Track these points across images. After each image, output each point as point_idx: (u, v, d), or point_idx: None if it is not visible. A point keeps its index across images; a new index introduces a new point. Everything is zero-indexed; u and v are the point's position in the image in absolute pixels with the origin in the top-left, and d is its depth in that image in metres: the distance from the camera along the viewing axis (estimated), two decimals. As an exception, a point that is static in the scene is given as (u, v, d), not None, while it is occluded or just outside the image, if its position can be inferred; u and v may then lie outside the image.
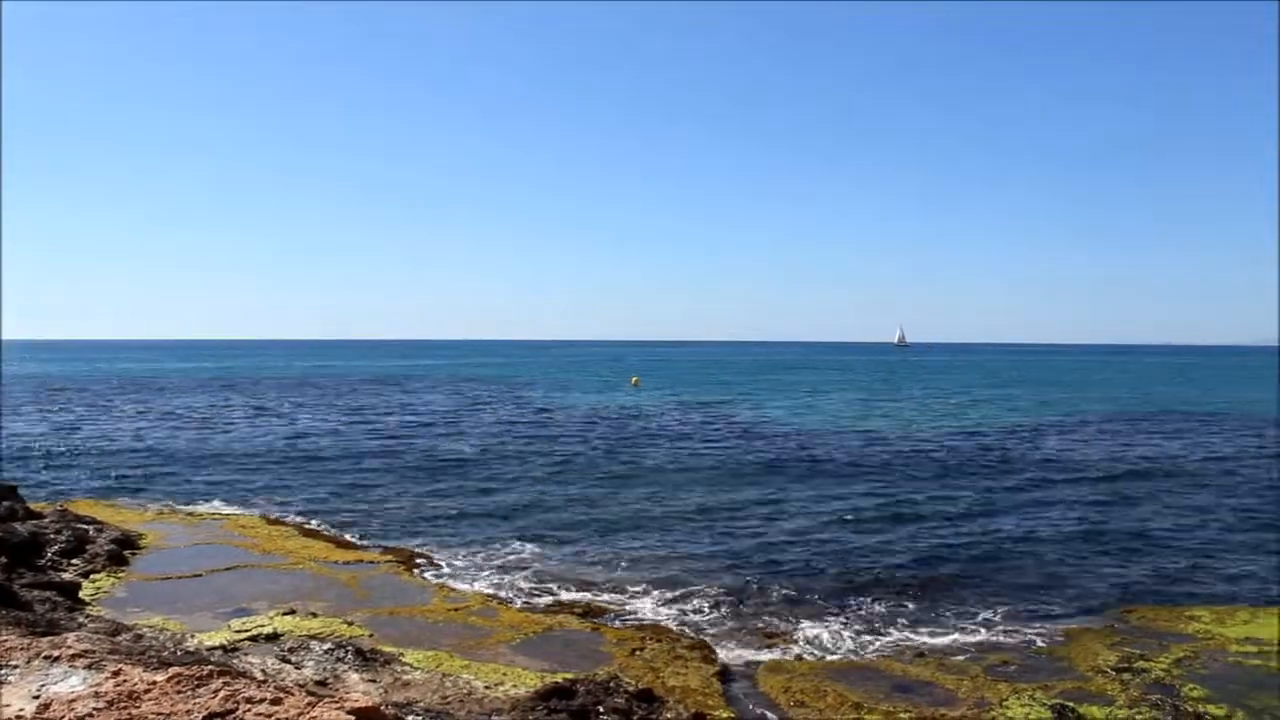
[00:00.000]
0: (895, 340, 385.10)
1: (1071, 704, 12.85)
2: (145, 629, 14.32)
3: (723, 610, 17.85)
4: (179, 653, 12.38)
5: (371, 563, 20.69)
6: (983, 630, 16.68)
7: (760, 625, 16.95)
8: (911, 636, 16.33)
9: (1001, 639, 16.21)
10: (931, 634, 16.48)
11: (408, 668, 13.27)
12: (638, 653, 14.88)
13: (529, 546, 22.74)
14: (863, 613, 17.71)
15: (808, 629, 16.71)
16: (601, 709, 11.32)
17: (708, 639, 16.02)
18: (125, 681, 6.62)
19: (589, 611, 17.54)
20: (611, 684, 11.92)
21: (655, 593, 18.97)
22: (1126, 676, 14.12)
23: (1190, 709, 12.81)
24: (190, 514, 25.87)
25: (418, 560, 21.11)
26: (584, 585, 19.47)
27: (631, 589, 19.22)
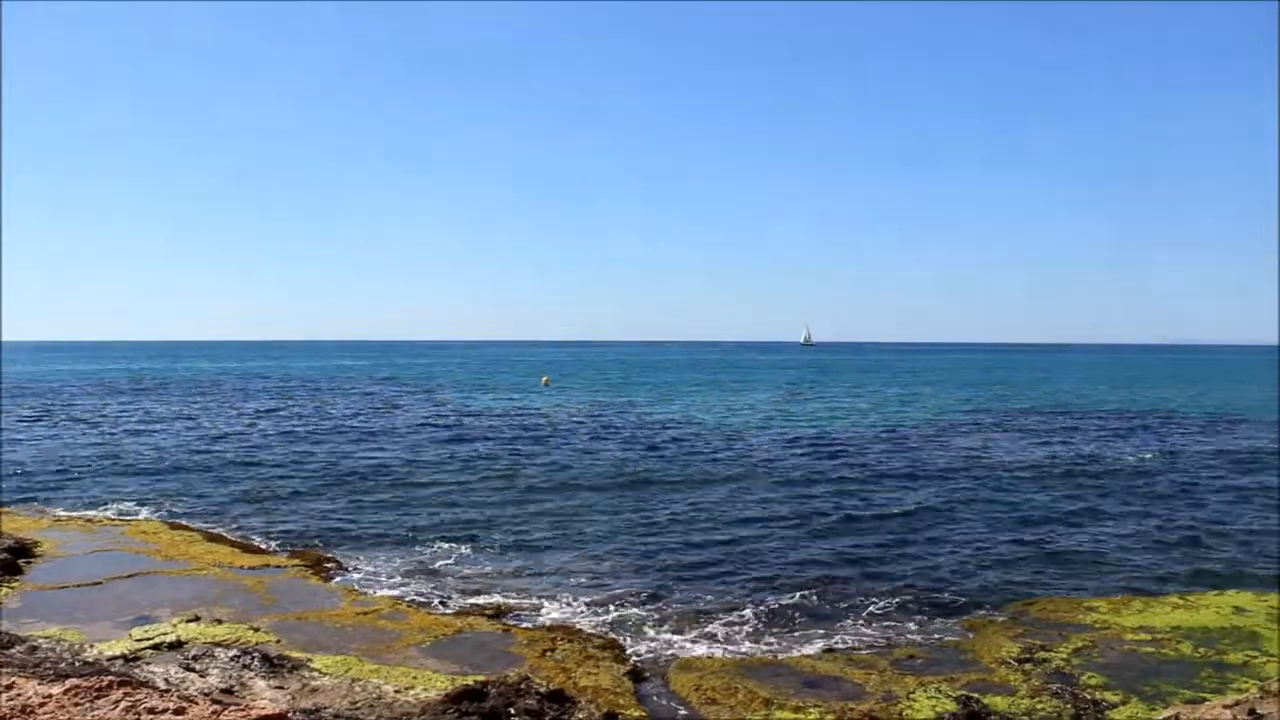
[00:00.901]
0: (802, 340, 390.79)
1: (976, 695, 13.12)
2: (41, 640, 13.92)
3: (635, 610, 17.90)
4: (77, 664, 12.08)
5: (278, 567, 20.36)
6: (890, 625, 16.96)
7: (672, 624, 17.03)
8: (821, 633, 16.54)
9: (908, 634, 16.51)
10: (840, 630, 16.71)
11: (316, 673, 13.09)
12: (549, 653, 14.86)
13: (439, 549, 22.56)
14: (773, 610, 17.88)
15: (719, 627, 16.84)
16: (513, 710, 11.29)
17: (620, 638, 16.06)
18: (19, 695, 6.44)
19: (500, 613, 17.47)
20: (523, 685, 11.89)
21: (567, 593, 18.95)
22: (1028, 667, 14.47)
23: (1088, 696, 13.18)
24: (89, 520, 25.17)
25: (326, 564, 20.82)
26: (495, 587, 19.39)
27: (543, 590, 19.18)
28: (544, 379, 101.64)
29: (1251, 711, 11.03)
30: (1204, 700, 12.49)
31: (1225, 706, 11.44)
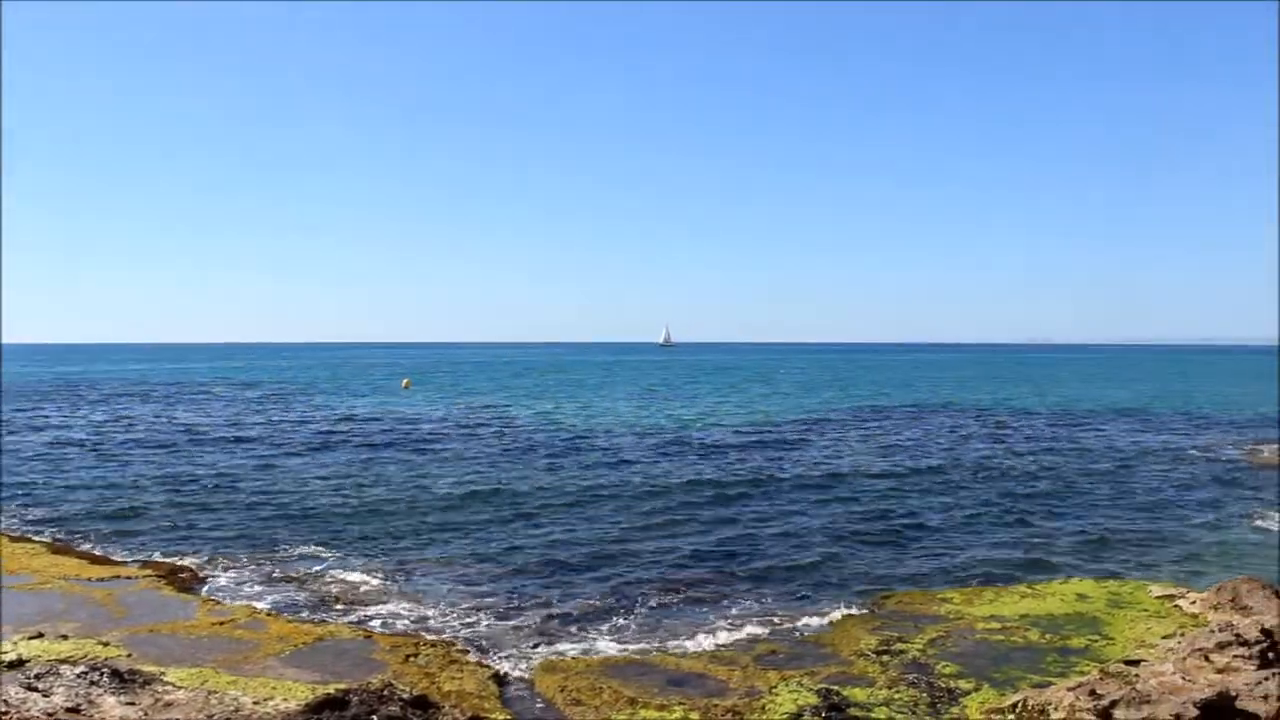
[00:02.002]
0: (661, 340, 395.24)
1: (836, 687, 13.44)
2: None
3: (499, 613, 17.83)
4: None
5: (130, 579, 19.65)
6: (752, 622, 17.23)
7: (537, 626, 17.02)
8: (684, 631, 16.71)
9: (770, 630, 16.80)
10: (703, 628, 16.91)
11: (170, 687, 12.66)
12: (412, 659, 14.69)
13: (299, 557, 22.10)
14: (637, 610, 18.01)
15: (584, 628, 16.90)
16: (375, 718, 11.12)
17: (484, 642, 16.00)
18: None
19: (361, 619, 17.21)
20: (385, 691, 11.72)
21: (431, 598, 18.76)
22: (886, 658, 14.87)
23: (943, 685, 13.61)
24: (-78, 534, 23.89)
25: (181, 574, 20.19)
26: (357, 594, 19.09)
27: (406, 596, 18.96)
28: (404, 382, 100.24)
29: (1092, 692, 11.55)
30: (1049, 684, 13.01)
31: (1069, 689, 11.96)
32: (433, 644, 15.52)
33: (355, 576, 20.40)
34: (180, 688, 12.68)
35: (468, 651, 15.34)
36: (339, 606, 18.15)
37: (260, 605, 18.00)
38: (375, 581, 20.02)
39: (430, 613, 17.82)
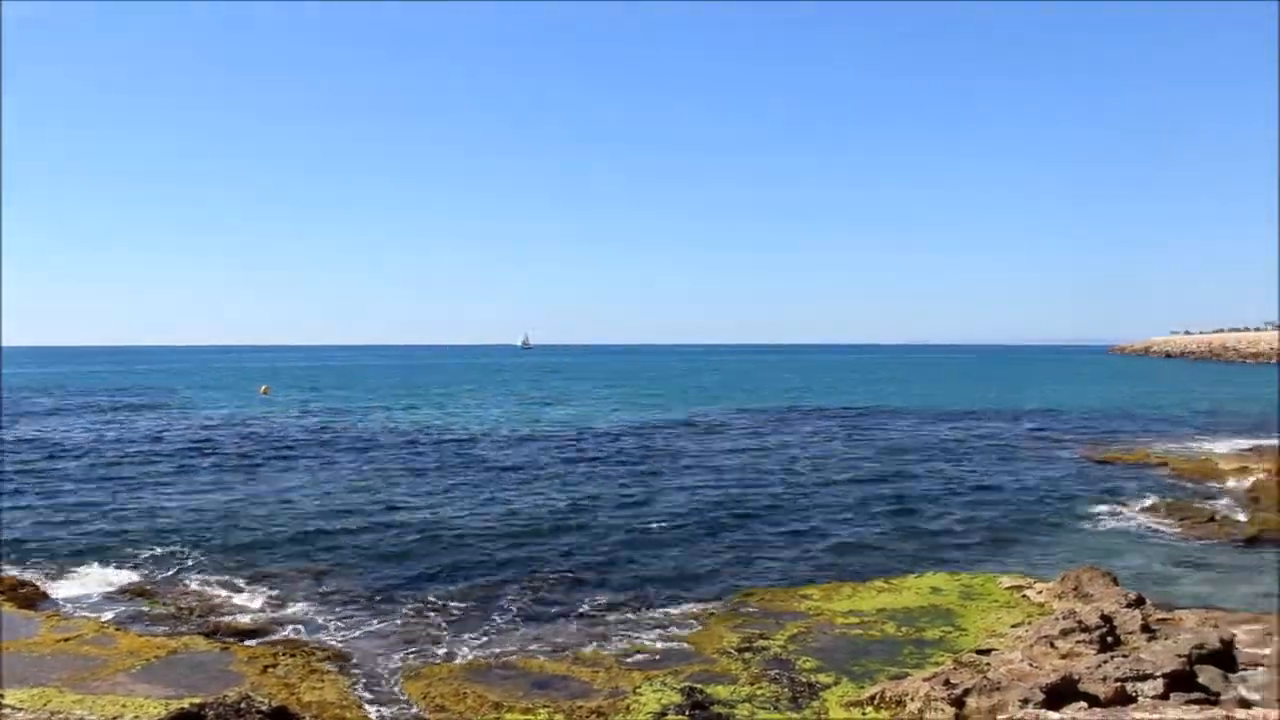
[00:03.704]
0: (520, 343, 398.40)
1: (699, 686, 13.58)
2: None
3: (361, 620, 17.54)
4: None
5: (-35, 595, 18.69)
6: (615, 624, 17.32)
7: (399, 631, 16.81)
8: (549, 633, 16.72)
9: (634, 630, 16.91)
10: (567, 630, 16.94)
11: (9, 709, 12.10)
12: (271, 670, 14.31)
13: (149, 567, 21.36)
14: (501, 613, 17.94)
15: (448, 632, 16.76)
16: (232, 732, 10.82)
17: (346, 650, 15.72)
18: None
19: (217, 630, 16.72)
20: (243, 704, 11.41)
21: (289, 606, 18.36)
22: (748, 655, 15.09)
23: (804, 679, 13.89)
24: None
25: (21, 589, 19.23)
26: (211, 605, 18.55)
27: (263, 604, 18.53)
28: (263, 388, 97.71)
29: (946, 682, 11.94)
30: (906, 675, 13.37)
31: (924, 679, 12.32)
32: (292, 654, 15.15)
33: (211, 588, 19.80)
34: (21, 709, 12.14)
35: (329, 660, 15.04)
36: (194, 618, 17.60)
37: (109, 619, 17.34)
38: (232, 592, 19.47)
39: (290, 622, 17.42)
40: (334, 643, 16.22)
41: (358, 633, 16.84)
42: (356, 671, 14.68)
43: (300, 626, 17.17)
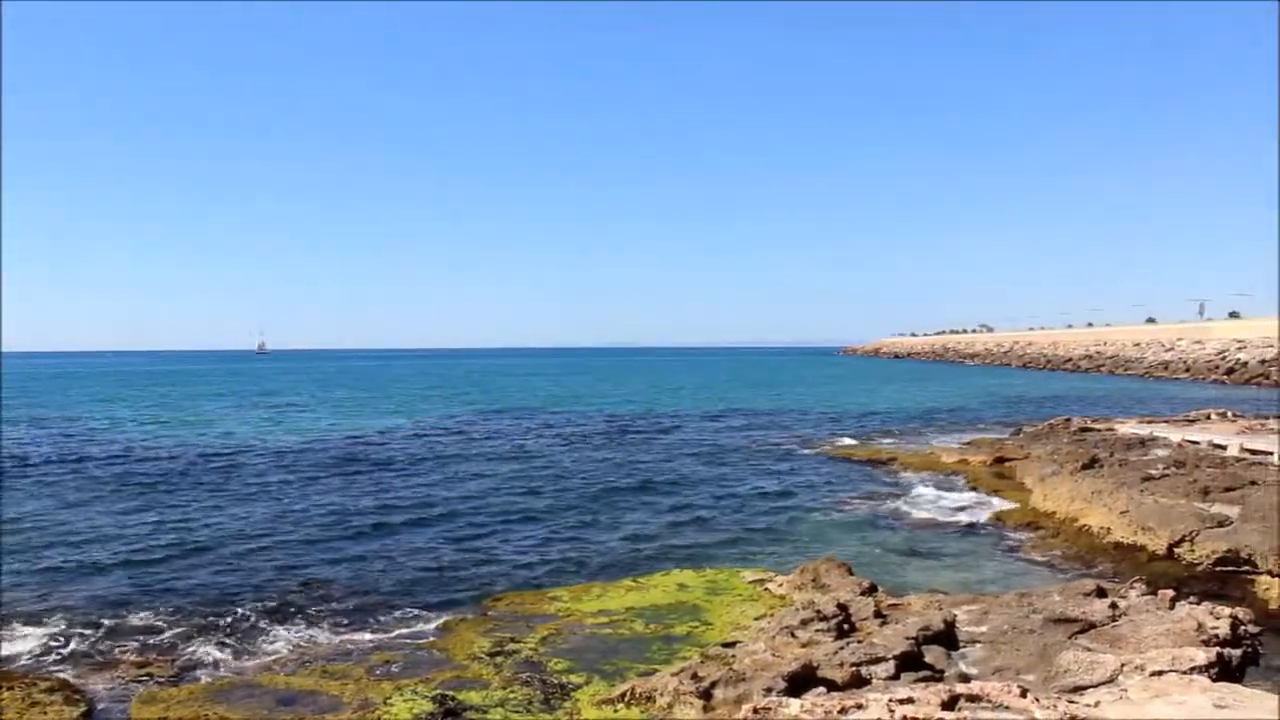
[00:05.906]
0: (256, 348, 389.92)
1: (451, 693, 13.42)
2: None
3: (91, 643, 16.34)
4: None
5: None
6: (362, 634, 16.89)
7: (135, 655, 15.78)
8: (294, 647, 16.14)
9: (383, 639, 16.54)
10: (314, 642, 16.41)
11: None
12: (-17, 704, 13.22)
13: None
14: (244, 629, 17.17)
15: (187, 652, 15.89)
16: (-65, 773, 9.90)
17: (72, 678, 14.60)
18: None
19: (-81, 664, 15.27)
20: (-52, 743, 10.46)
21: (12, 633, 16.93)
22: (500, 659, 15.01)
23: (556, 681, 13.93)
24: None
25: None
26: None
27: (-26, 633, 17.05)
28: None
29: (694, 675, 12.23)
30: (655, 671, 13.60)
31: (673, 674, 12.58)
32: (10, 685, 13.98)
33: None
34: None
35: (53, 690, 13.94)
36: (-112, 652, 16.01)
37: None
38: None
39: (11, 650, 16.07)
40: (60, 671, 15.06)
41: (88, 659, 15.66)
42: (85, 700, 13.70)
43: (23, 654, 15.87)
